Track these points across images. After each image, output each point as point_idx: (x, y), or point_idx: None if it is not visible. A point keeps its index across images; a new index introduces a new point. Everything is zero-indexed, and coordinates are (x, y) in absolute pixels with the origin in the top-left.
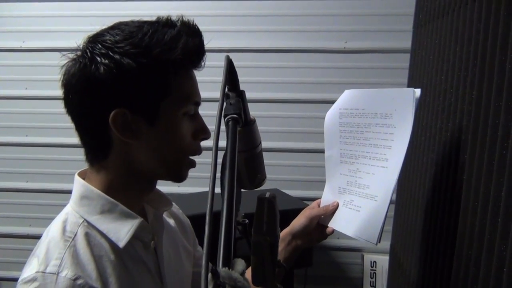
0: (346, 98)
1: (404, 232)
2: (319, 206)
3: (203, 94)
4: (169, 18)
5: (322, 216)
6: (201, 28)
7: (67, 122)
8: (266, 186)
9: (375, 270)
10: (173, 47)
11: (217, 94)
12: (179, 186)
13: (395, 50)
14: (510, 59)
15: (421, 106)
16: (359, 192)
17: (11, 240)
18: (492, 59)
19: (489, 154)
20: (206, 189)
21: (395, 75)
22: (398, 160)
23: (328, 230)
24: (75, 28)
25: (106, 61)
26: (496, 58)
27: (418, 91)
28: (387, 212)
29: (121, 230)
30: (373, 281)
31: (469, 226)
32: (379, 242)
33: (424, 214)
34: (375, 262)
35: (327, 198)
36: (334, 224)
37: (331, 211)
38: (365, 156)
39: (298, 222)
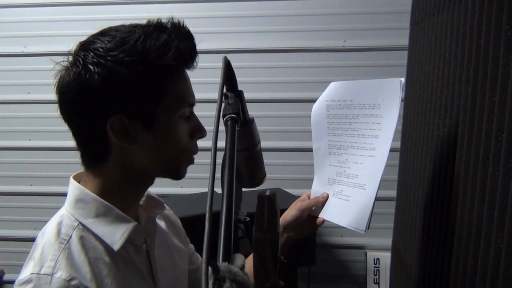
0: (332, 90)
1: (405, 228)
2: (309, 198)
3: (199, 95)
4: (159, 21)
5: (313, 208)
6: (197, 30)
7: None
8: (268, 185)
9: (378, 267)
10: (166, 52)
11: (214, 95)
12: (182, 187)
13: (393, 47)
14: (503, 54)
15: (419, 103)
16: (348, 182)
17: (17, 244)
18: (486, 55)
19: (484, 148)
20: (206, 189)
21: (394, 72)
22: (385, 149)
23: (319, 220)
24: (77, 32)
25: (100, 69)
26: (489, 54)
27: (403, 80)
28: (375, 200)
29: (116, 233)
30: (376, 278)
31: (466, 220)
32: (368, 229)
33: (424, 209)
34: (378, 259)
35: (316, 189)
36: (325, 214)
37: (322, 202)
38: (353, 146)
39: (289, 214)
